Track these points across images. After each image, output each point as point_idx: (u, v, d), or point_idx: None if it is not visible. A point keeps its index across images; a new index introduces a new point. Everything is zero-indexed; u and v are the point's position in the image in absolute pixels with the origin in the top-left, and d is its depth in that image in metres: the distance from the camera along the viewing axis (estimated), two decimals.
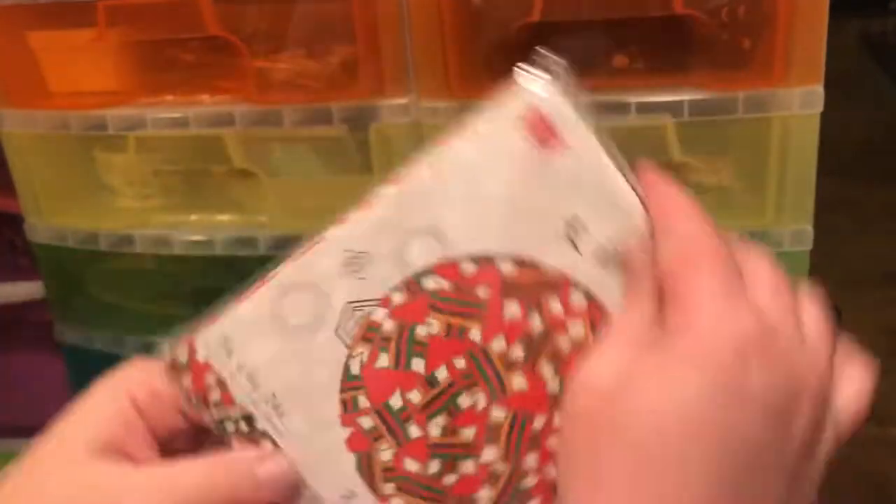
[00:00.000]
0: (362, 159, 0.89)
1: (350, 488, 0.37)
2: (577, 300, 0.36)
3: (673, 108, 0.77)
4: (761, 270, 0.35)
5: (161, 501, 0.35)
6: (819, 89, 0.75)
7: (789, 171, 0.78)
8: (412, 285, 0.36)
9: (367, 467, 0.37)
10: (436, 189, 0.36)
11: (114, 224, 0.94)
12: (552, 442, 0.36)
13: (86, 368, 1.07)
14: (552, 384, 0.36)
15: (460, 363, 0.36)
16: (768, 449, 0.32)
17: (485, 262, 0.36)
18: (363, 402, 0.37)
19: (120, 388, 0.38)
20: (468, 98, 0.82)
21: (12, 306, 1.07)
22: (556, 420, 0.36)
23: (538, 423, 0.36)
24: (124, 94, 0.90)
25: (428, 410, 0.37)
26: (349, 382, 0.37)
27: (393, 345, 0.36)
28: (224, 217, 0.94)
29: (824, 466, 0.35)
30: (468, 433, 0.36)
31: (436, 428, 0.36)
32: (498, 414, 0.36)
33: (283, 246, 0.91)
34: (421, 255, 0.36)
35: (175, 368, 0.38)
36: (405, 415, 0.37)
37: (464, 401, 0.36)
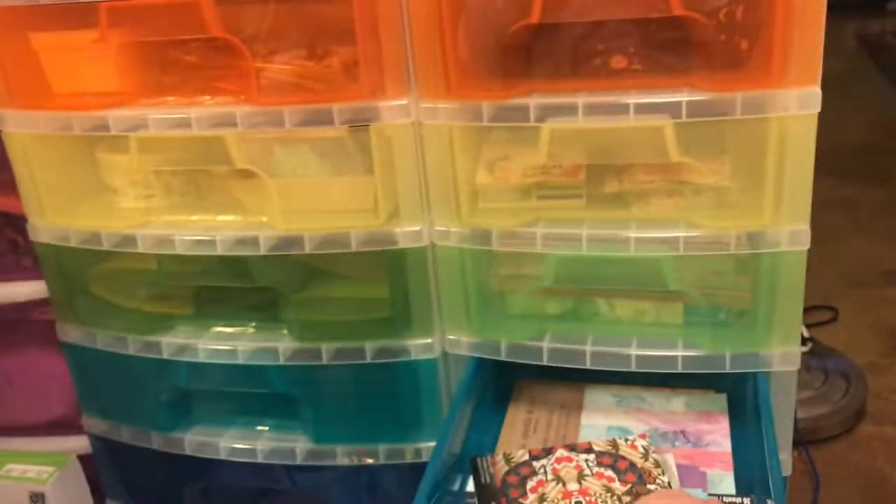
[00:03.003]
0: (362, 159, 0.89)
1: None
2: None
3: (671, 109, 0.77)
4: None
5: None
6: (817, 90, 0.76)
7: (787, 172, 0.79)
8: None
9: None
10: None
11: (116, 224, 0.94)
12: None
13: (88, 367, 1.07)
14: None
15: None
16: None
17: None
18: None
19: None
20: (468, 98, 0.82)
21: (15, 306, 1.07)
22: None
23: None
24: (126, 95, 0.91)
25: None
26: None
27: None
28: (225, 217, 0.94)
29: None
30: None
31: None
32: None
33: (284, 246, 0.92)
34: None
35: None
36: None
37: None
